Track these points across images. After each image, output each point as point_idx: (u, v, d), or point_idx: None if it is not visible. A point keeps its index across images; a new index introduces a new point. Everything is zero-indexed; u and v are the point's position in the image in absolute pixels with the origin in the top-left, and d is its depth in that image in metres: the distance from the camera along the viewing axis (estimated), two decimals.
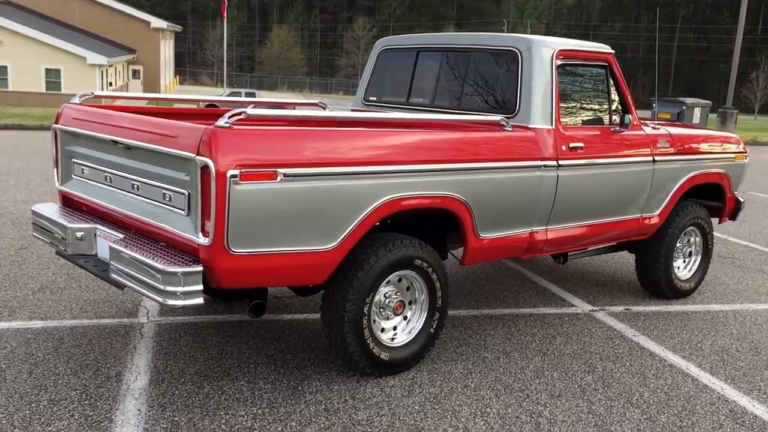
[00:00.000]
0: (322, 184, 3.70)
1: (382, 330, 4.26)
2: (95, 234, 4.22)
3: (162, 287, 3.45)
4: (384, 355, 4.17)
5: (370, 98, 6.05)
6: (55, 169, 4.75)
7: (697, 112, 21.50)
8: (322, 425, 3.64)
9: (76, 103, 4.70)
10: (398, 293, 4.29)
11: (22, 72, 36.13)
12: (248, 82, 71.28)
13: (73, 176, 4.63)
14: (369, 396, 4.00)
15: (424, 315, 4.39)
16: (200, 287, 3.48)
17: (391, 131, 4.16)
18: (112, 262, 3.80)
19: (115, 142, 4.07)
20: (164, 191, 3.75)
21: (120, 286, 3.80)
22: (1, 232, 7.43)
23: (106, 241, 4.07)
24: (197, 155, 3.43)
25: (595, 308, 5.82)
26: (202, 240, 3.47)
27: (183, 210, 3.62)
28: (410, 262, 4.19)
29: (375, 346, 4.13)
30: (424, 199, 4.13)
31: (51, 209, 4.61)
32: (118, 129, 4.07)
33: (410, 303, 4.37)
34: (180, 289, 3.44)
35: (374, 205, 3.88)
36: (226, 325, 4.97)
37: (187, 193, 3.59)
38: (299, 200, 3.64)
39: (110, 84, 40.00)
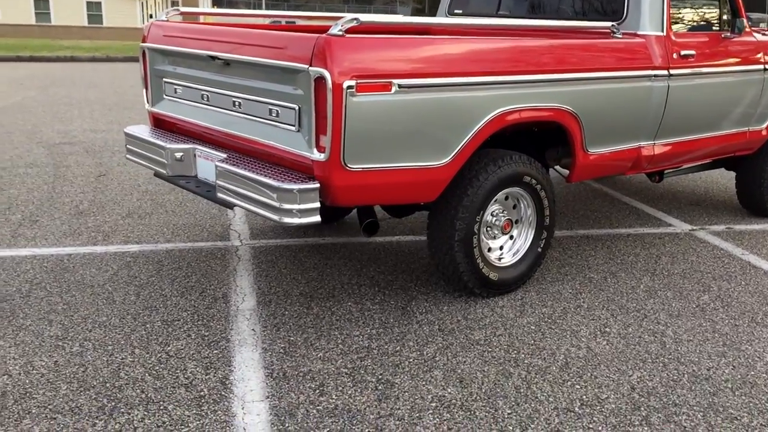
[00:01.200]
0: (436, 96, 3.52)
1: (489, 250, 4.12)
2: (195, 154, 4.12)
3: (278, 205, 3.34)
4: (493, 275, 4.05)
5: (455, 11, 5.78)
6: (145, 91, 4.63)
7: None
8: (440, 344, 3.55)
9: (163, 21, 4.55)
10: (505, 212, 4.13)
11: (64, 6, 36.08)
12: (285, 8, 70.29)
13: (164, 96, 4.51)
14: (481, 316, 3.89)
15: (531, 234, 4.24)
16: (317, 204, 3.36)
17: (508, 38, 3.93)
18: (219, 182, 3.69)
19: (213, 58, 3.91)
20: (271, 107, 3.61)
21: (228, 205, 3.71)
22: (78, 161, 7.42)
23: (208, 161, 3.96)
24: (310, 66, 3.27)
25: (694, 227, 5.59)
26: (318, 156, 3.34)
27: (293, 126, 3.48)
28: (519, 178, 4.01)
29: (484, 266, 4.00)
30: (537, 112, 3.93)
31: (144, 131, 4.51)
32: (216, 44, 3.91)
33: (516, 222, 4.22)
34: (296, 206, 3.32)
35: (488, 118, 3.70)
36: (319, 248, 4.89)
37: (297, 108, 3.44)
38: (414, 113, 3.47)
39: (150, 16, 39.73)
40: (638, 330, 3.79)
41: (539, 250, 4.26)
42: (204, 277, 4.34)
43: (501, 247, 4.20)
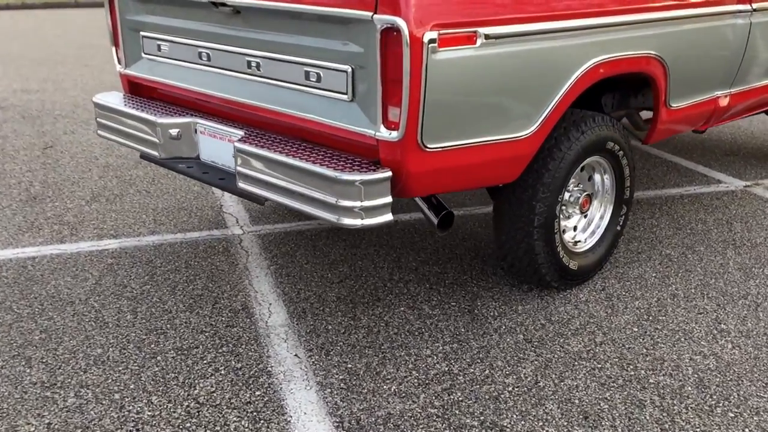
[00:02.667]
0: (528, 47, 2.73)
1: (564, 232, 3.40)
2: (196, 130, 3.23)
3: (334, 201, 2.52)
4: (572, 264, 3.33)
5: None
6: (115, 48, 3.67)
7: None
8: (536, 362, 2.84)
9: None
10: (580, 185, 3.40)
11: None
12: None
13: (143, 55, 3.57)
14: (567, 317, 3.18)
15: (610, 209, 3.53)
16: (389, 199, 2.56)
17: None
18: (241, 169, 2.83)
19: (216, 4, 3.00)
20: (308, 69, 2.75)
21: (255, 199, 2.86)
22: (16, 130, 6.33)
23: (218, 140, 3.09)
24: (376, 13, 2.41)
25: (748, 183, 4.98)
26: (386, 134, 2.51)
27: (344, 94, 2.64)
28: (603, 145, 3.27)
29: (564, 254, 3.28)
30: (630, 61, 3.17)
31: (119, 100, 3.58)
32: None
33: (592, 196, 3.49)
34: (360, 203, 2.50)
35: (580, 72, 2.94)
36: (338, 232, 4.08)
37: (350, 70, 2.59)
38: (501, 71, 2.67)
39: None
40: (758, 324, 3.14)
41: (618, 228, 3.56)
42: (211, 281, 3.49)
43: (575, 228, 3.47)
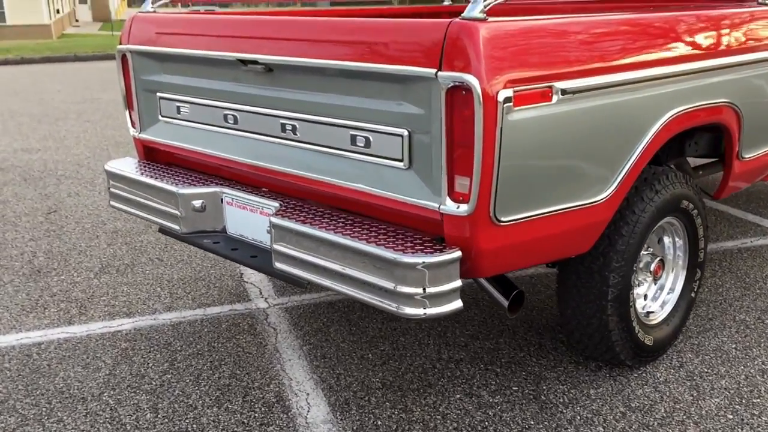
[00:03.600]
0: (603, 102, 2.41)
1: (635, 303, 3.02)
2: (222, 200, 2.88)
3: (392, 287, 2.15)
4: (648, 339, 2.96)
5: None
6: (128, 111, 3.35)
7: None
8: None
9: (149, 12, 3.26)
10: (650, 249, 3.04)
11: None
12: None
13: (160, 118, 3.24)
14: (649, 403, 2.80)
15: (683, 275, 3.16)
16: (458, 284, 2.19)
17: (672, 12, 2.80)
18: (278, 247, 2.48)
19: (245, 62, 2.68)
20: (354, 132, 2.41)
21: (294, 281, 2.49)
22: (17, 193, 5.99)
23: (250, 213, 2.73)
24: (440, 70, 2.08)
25: None
26: (453, 208, 2.16)
27: (399, 161, 2.29)
28: (677, 204, 2.92)
29: (639, 328, 2.91)
30: (708, 111, 2.84)
31: (133, 167, 3.24)
32: (248, 41, 2.67)
33: (663, 261, 3.13)
34: (423, 290, 2.14)
35: (659, 125, 2.62)
36: None
37: (406, 134, 2.25)
38: (577, 129, 2.34)
39: (57, 11, 36.98)
40: None
41: (692, 294, 3.19)
42: (239, 366, 3.11)
43: (645, 297, 3.10)
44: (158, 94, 3.21)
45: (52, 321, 3.59)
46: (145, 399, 2.88)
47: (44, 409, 2.83)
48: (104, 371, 3.10)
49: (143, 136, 3.32)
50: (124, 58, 3.25)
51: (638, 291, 3.05)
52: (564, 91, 2.22)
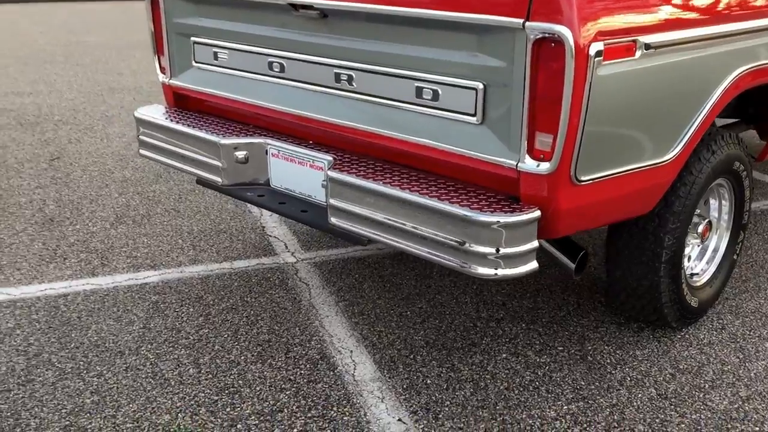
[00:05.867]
0: (681, 58, 2.33)
1: None
2: (266, 152, 2.77)
3: (462, 245, 2.08)
4: (693, 301, 2.94)
5: None
6: (157, 56, 3.21)
7: None
8: (685, 426, 2.43)
9: None
10: (698, 210, 3.00)
11: None
12: None
13: (194, 64, 3.10)
14: (696, 365, 2.79)
15: (727, 236, 3.14)
16: (534, 245, 2.13)
17: None
18: (335, 202, 2.39)
19: (297, 6, 2.55)
20: (420, 84, 2.31)
21: (355, 239, 2.41)
22: (15, 138, 5.80)
23: (293, 164, 2.64)
24: (528, 20, 1.98)
25: None
26: (533, 166, 2.08)
27: (471, 115, 2.20)
28: (730, 166, 2.88)
29: (687, 291, 2.89)
30: None
31: (166, 115, 3.11)
32: None
33: (711, 223, 3.10)
34: (497, 250, 2.07)
35: (726, 84, 2.55)
36: (403, 258, 3.65)
37: (481, 87, 2.16)
38: (656, 86, 2.27)
39: None
40: None
41: (735, 257, 3.17)
42: (276, 322, 3.05)
43: (689, 258, 3.08)
44: (192, 38, 3.07)
45: (74, 272, 3.48)
46: (185, 354, 2.81)
47: (81, 363, 2.75)
48: (138, 324, 3.02)
49: (174, 82, 3.19)
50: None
51: (686, 252, 3.01)
52: (647, 46, 2.14)
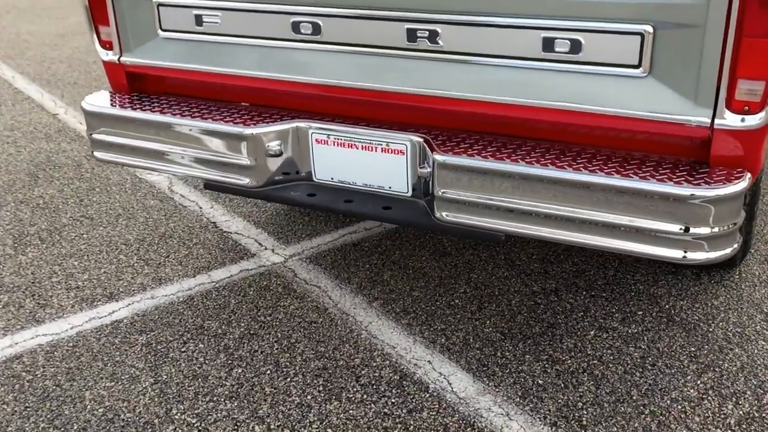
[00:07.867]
0: None
1: None
2: (309, 138, 2.18)
3: (680, 230, 1.71)
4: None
5: None
6: (94, 29, 2.44)
7: None
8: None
9: None
10: None
11: None
12: None
13: (160, 33, 2.38)
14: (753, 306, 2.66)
15: None
16: (742, 218, 1.79)
17: None
18: (444, 191, 1.90)
19: None
20: (549, 35, 1.86)
21: (485, 237, 1.94)
22: None
23: (352, 150, 2.09)
24: None
25: None
26: (737, 121, 1.74)
27: (634, 67, 1.80)
28: None
29: None
30: None
31: (130, 104, 2.38)
32: None
33: None
34: (707, 231, 1.72)
35: None
36: (401, 236, 3.20)
37: (650, 31, 1.75)
38: None
39: None
40: None
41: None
42: (316, 342, 2.51)
43: None
44: (154, 0, 2.34)
45: (8, 323, 2.65)
46: (235, 408, 2.20)
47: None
48: (147, 380, 2.34)
49: (129, 59, 2.44)
50: None
51: None
52: None
